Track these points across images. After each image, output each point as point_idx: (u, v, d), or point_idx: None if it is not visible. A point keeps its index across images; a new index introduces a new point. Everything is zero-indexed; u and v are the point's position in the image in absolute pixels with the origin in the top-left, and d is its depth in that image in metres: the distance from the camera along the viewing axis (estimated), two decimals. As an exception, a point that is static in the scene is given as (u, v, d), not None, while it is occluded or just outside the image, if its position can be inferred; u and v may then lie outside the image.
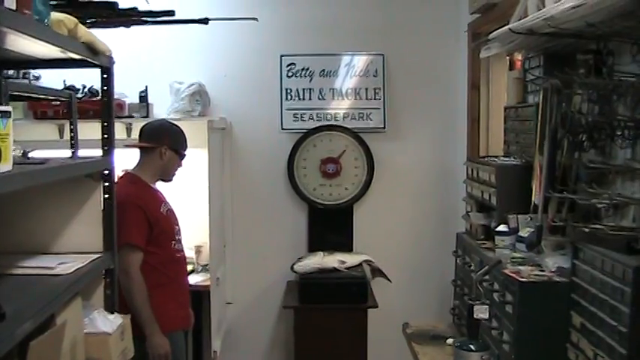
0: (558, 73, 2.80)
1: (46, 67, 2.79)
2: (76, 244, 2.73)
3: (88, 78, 4.48)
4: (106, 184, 2.78)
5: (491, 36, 3.21)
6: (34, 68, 3.92)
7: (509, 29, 2.84)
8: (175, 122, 4.00)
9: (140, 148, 3.82)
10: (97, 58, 2.58)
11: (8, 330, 1.81)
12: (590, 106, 2.71)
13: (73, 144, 2.87)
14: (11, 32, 1.85)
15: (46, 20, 2.11)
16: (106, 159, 2.79)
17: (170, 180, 3.90)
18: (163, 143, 3.79)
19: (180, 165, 3.88)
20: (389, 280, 4.86)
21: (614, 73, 2.59)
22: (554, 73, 2.89)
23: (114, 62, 2.77)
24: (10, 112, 1.83)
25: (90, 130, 3.15)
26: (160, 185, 3.88)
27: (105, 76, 2.77)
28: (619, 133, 2.52)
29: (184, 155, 3.88)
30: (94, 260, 2.63)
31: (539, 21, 2.54)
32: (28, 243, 2.71)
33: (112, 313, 2.74)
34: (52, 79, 4.45)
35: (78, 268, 2.49)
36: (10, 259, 2.55)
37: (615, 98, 2.54)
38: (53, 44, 2.16)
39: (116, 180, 2.93)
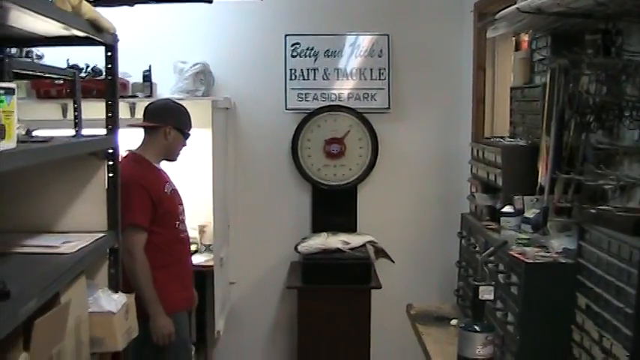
0: (567, 53, 2.77)
1: (50, 44, 2.77)
2: (80, 223, 2.72)
3: (92, 57, 4.44)
4: (110, 162, 2.77)
5: (498, 15, 3.18)
6: (37, 46, 3.89)
7: (517, 9, 2.81)
8: (179, 102, 3.98)
9: (144, 127, 3.81)
10: (101, 35, 2.55)
11: (13, 308, 1.80)
12: (598, 86, 2.68)
13: (77, 123, 2.86)
14: (15, 8, 1.83)
15: (49, -4, 2.09)
16: (110, 137, 2.77)
17: (174, 160, 3.89)
18: (168, 123, 3.77)
19: (184, 145, 3.87)
20: (392, 261, 4.86)
21: (623, 52, 2.56)
22: (562, 53, 2.87)
23: (118, 40, 2.75)
24: (14, 89, 1.82)
25: (93, 109, 3.13)
26: (164, 165, 3.87)
27: (109, 53, 2.74)
28: (627, 113, 2.50)
29: (189, 135, 3.86)
30: (98, 239, 2.63)
31: (547, 0, 2.51)
32: (32, 222, 2.70)
33: (116, 292, 2.74)
34: (55, 58, 4.43)
35: (82, 247, 2.48)
36: (14, 237, 2.55)
37: (624, 78, 2.52)
38: (57, 20, 2.13)
39: (120, 160, 2.92)
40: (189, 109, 3.91)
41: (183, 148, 3.88)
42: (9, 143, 1.78)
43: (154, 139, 3.79)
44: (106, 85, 2.80)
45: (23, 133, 2.49)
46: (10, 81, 2.55)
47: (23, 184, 2.68)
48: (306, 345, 4.65)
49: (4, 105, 1.75)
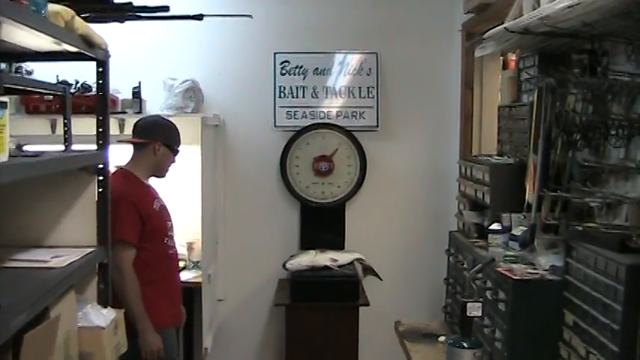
0: (553, 72, 2.81)
1: (41, 59, 2.79)
2: (70, 237, 2.72)
3: (81, 73, 4.46)
4: (101, 178, 2.77)
5: (486, 35, 3.22)
6: (28, 61, 3.90)
7: (505, 28, 2.85)
8: (169, 118, 3.99)
9: (133, 144, 3.81)
10: (93, 51, 2.57)
11: (3, 321, 1.80)
12: (585, 105, 2.71)
13: (67, 138, 2.86)
14: (8, 22, 1.85)
15: (43, 11, 2.11)
16: (100, 153, 2.78)
17: (163, 176, 3.89)
18: (157, 139, 3.77)
19: (173, 161, 3.87)
20: (380, 278, 4.86)
21: (608, 72, 2.60)
22: (549, 72, 2.91)
23: (110, 56, 2.77)
24: (6, 102, 1.83)
25: (82, 125, 3.14)
26: (152, 181, 3.87)
27: (100, 69, 2.76)
28: (613, 132, 2.53)
29: (178, 151, 3.87)
30: (87, 254, 2.63)
31: (534, 20, 2.55)
32: (22, 236, 2.70)
33: (106, 307, 2.74)
34: (44, 74, 4.43)
35: (72, 262, 2.48)
36: (3, 252, 2.54)
37: (610, 98, 2.55)
38: (50, 35, 2.15)
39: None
40: (178, 126, 3.92)
41: (172, 164, 3.88)
42: (1, 157, 1.79)
43: (143, 155, 3.79)
44: (97, 101, 2.81)
45: (14, 147, 2.49)
46: (1, 95, 2.55)
47: (14, 199, 2.68)
48: (294, 362, 4.64)
49: (-3, 119, 1.77)
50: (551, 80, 2.83)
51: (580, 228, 2.50)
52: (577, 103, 2.77)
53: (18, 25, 1.91)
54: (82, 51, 2.49)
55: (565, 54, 2.93)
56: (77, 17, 2.37)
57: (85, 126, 3.14)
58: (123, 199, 3.50)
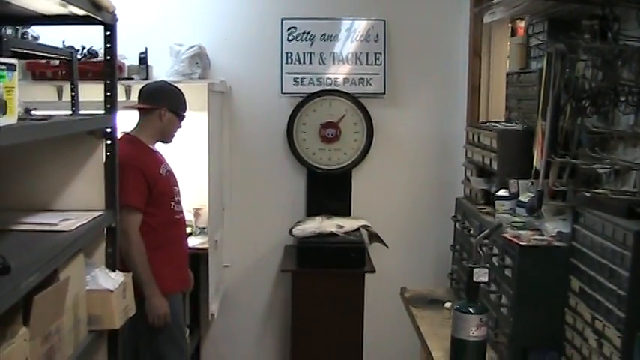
0: (563, 38, 2.79)
1: (48, 23, 2.78)
2: (78, 201, 2.74)
3: (87, 40, 4.44)
4: (108, 142, 2.78)
5: (495, 0, 3.19)
6: (35, 24, 3.88)
7: (515, -7, 2.83)
8: (175, 84, 3.98)
9: (139, 109, 3.81)
10: (100, 14, 2.56)
11: (13, 283, 1.82)
12: (595, 71, 2.70)
13: (74, 103, 2.86)
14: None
15: (50, -27, 2.10)
16: (108, 117, 2.78)
17: (169, 142, 3.89)
18: (163, 105, 3.77)
19: (179, 127, 3.87)
20: (386, 245, 4.88)
21: (619, 38, 2.58)
22: (558, 38, 2.88)
23: (117, 19, 2.75)
24: (15, 64, 1.83)
25: (89, 91, 3.14)
26: (159, 147, 3.87)
27: (108, 33, 2.75)
28: (622, 98, 2.52)
29: (184, 117, 3.87)
30: (95, 218, 2.64)
31: (546, -16, 2.53)
32: (31, 200, 2.72)
33: (114, 270, 2.75)
34: (50, 40, 4.41)
35: (80, 225, 2.50)
36: (13, 215, 2.56)
37: (620, 64, 2.54)
38: (58, -4, 2.14)
39: (116, 141, 2.93)
40: (185, 92, 3.91)
41: (179, 130, 3.88)
42: (10, 119, 1.79)
43: (149, 121, 3.79)
44: (105, 65, 2.81)
45: (22, 111, 2.49)
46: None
47: (22, 163, 2.70)
48: (300, 328, 4.67)
49: (6, 80, 1.76)
50: (561, 46, 2.80)
51: (588, 194, 2.49)
52: (587, 70, 2.75)
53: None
54: (90, 14, 2.48)
55: (575, 20, 2.91)
56: (84, -21, 2.36)
57: (91, 92, 3.14)
58: (129, 164, 3.49)
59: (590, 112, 2.74)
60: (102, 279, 2.59)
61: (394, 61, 5.13)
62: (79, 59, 4.26)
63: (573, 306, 2.49)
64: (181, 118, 3.85)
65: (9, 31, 3.61)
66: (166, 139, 3.86)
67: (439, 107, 5.20)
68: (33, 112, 2.58)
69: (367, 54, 5.10)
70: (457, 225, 3.75)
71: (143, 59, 4.74)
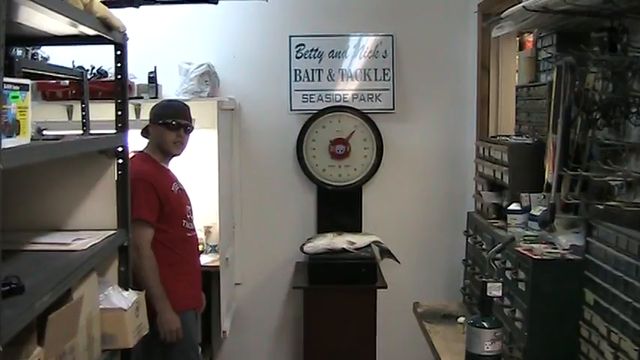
0: (572, 51, 2.79)
1: (58, 43, 2.80)
2: (91, 220, 2.74)
3: (95, 59, 4.47)
4: (120, 161, 2.78)
5: (504, 14, 3.19)
6: (46, 45, 3.90)
7: (523, 7, 2.82)
8: (184, 102, 3.98)
9: (141, 134, 3.87)
10: (111, 34, 2.57)
11: (27, 302, 1.82)
12: (605, 83, 2.69)
13: (85, 123, 2.88)
14: (27, 4, 1.85)
15: (62, -6, 2.11)
16: (119, 136, 2.79)
17: (176, 152, 3.81)
18: (150, 121, 3.84)
19: (176, 135, 3.78)
20: (397, 261, 4.87)
21: (629, 49, 2.57)
22: (568, 50, 2.88)
23: (128, 39, 2.76)
24: (28, 85, 1.84)
25: (98, 111, 3.16)
26: (172, 166, 3.89)
27: (119, 52, 2.76)
28: (633, 110, 2.51)
29: (172, 124, 3.76)
30: (108, 237, 2.64)
31: (553, -2, 2.53)
32: (44, 219, 2.72)
33: (127, 289, 2.75)
34: (59, 60, 4.44)
35: (93, 244, 2.50)
36: (26, 235, 2.56)
37: (630, 75, 2.53)
38: (69, 17, 2.15)
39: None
40: (194, 110, 3.92)
41: (178, 138, 3.79)
42: (23, 139, 1.80)
43: (150, 139, 3.85)
44: (116, 84, 2.82)
45: (34, 131, 2.51)
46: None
47: (35, 183, 2.70)
48: (312, 345, 4.66)
49: (19, 101, 1.77)
50: (571, 58, 2.80)
51: (600, 207, 2.48)
52: (597, 82, 2.75)
53: (37, 6, 1.91)
54: (101, 34, 2.49)
55: (584, 32, 2.90)
56: (96, 0, 2.37)
57: (101, 112, 3.16)
58: (141, 179, 3.51)
59: (601, 125, 2.73)
60: (115, 298, 2.59)
61: (403, 76, 5.14)
62: (89, 79, 4.28)
63: (588, 319, 2.48)
64: (169, 125, 3.76)
65: (19, 52, 3.64)
66: (168, 150, 3.79)
67: (448, 122, 5.20)
68: (45, 132, 2.60)
69: (375, 70, 5.12)
70: (469, 239, 3.75)
71: (152, 78, 4.76)
